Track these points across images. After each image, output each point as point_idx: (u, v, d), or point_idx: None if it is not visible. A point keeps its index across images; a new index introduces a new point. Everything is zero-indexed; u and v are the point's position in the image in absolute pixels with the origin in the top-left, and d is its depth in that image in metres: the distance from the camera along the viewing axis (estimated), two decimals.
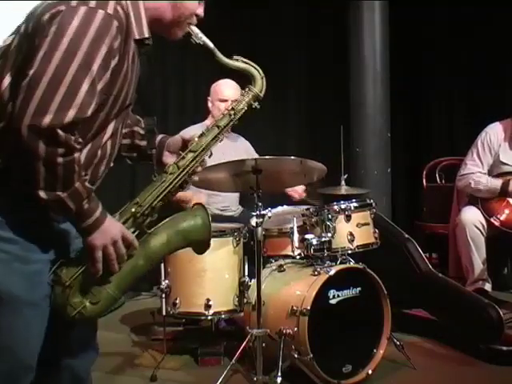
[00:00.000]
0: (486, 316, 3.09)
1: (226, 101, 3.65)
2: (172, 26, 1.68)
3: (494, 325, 3.06)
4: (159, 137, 1.83)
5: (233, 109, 1.83)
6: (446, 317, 3.38)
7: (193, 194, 3.30)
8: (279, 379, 2.54)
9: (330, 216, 2.90)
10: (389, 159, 4.66)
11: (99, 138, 1.51)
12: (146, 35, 1.56)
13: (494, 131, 3.90)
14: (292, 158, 2.64)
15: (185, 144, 1.79)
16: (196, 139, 1.77)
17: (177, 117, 4.58)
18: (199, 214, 1.71)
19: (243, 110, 1.84)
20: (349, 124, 4.51)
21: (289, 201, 3.60)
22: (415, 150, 5.82)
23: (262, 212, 2.65)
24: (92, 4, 1.39)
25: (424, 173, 4.80)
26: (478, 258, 3.72)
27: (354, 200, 3.02)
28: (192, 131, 3.64)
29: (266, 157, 2.61)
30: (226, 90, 3.68)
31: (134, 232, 1.56)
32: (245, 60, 1.86)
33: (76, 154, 1.38)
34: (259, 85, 1.90)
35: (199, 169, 1.74)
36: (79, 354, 1.66)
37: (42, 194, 1.37)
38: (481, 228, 3.72)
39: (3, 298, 1.42)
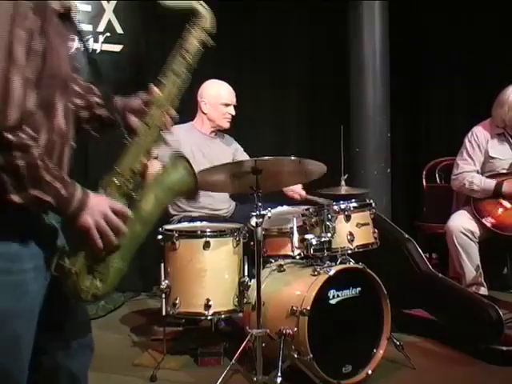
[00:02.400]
0: (485, 316, 3.09)
1: (229, 105, 3.67)
2: None
3: (493, 325, 3.06)
4: (117, 101, 1.74)
5: (182, 47, 1.71)
6: (445, 317, 3.38)
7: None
8: (279, 379, 2.54)
9: (329, 216, 2.90)
10: (389, 159, 4.66)
11: (49, 123, 1.43)
12: (68, 5, 1.47)
13: (480, 130, 3.98)
14: (291, 158, 2.64)
15: (146, 102, 1.71)
16: (157, 92, 1.69)
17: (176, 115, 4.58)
18: (180, 164, 1.69)
19: (195, 47, 1.72)
20: (349, 124, 4.51)
21: (289, 201, 3.60)
22: (415, 150, 5.82)
23: (262, 212, 2.65)
24: None
25: (424, 173, 4.80)
26: (469, 264, 3.71)
27: (353, 200, 3.02)
28: (179, 132, 3.68)
29: (265, 157, 2.60)
30: (229, 94, 3.69)
31: (123, 202, 1.54)
32: None
33: (34, 150, 1.33)
34: (205, 19, 1.76)
35: (169, 121, 1.69)
36: (75, 353, 1.65)
37: (14, 197, 1.33)
38: (469, 234, 3.71)
39: None
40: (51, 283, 1.51)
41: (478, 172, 3.89)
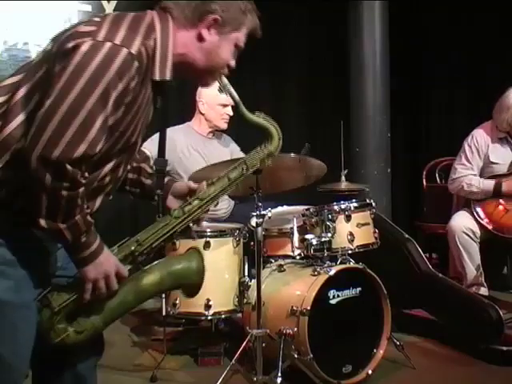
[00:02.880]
0: (485, 316, 3.09)
1: (227, 105, 3.64)
2: (203, 73, 1.68)
3: (493, 325, 3.06)
4: (166, 179, 1.82)
5: (245, 163, 1.81)
6: (445, 317, 3.38)
7: None
8: (279, 379, 2.54)
9: (330, 216, 2.90)
10: (389, 159, 4.66)
11: (99, 171, 1.51)
12: (168, 78, 1.54)
13: (480, 133, 3.92)
14: (291, 155, 2.63)
15: (190, 191, 1.80)
16: (205, 187, 1.76)
17: (176, 117, 4.57)
18: (194, 258, 1.74)
19: (256, 166, 1.83)
20: (349, 124, 4.51)
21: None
22: (415, 150, 5.83)
23: (262, 212, 2.65)
24: (117, 41, 1.39)
25: (424, 173, 4.80)
26: (470, 264, 3.71)
27: (354, 200, 3.02)
28: (176, 132, 3.68)
29: None
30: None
31: (128, 268, 1.59)
32: (266, 117, 1.89)
33: (81, 189, 1.40)
34: (275, 144, 1.85)
35: (203, 216, 1.75)
36: (81, 351, 1.65)
37: (42, 222, 1.39)
38: (471, 234, 3.71)
39: None
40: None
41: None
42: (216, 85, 3.65)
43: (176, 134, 3.59)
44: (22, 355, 1.49)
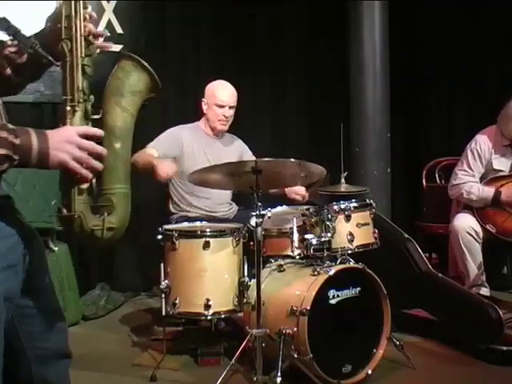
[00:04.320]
0: (485, 316, 3.09)
1: (223, 106, 3.63)
2: None
3: (493, 325, 3.06)
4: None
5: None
6: (445, 317, 3.38)
7: (158, 161, 3.26)
8: (279, 379, 2.54)
9: (329, 216, 2.90)
10: (388, 159, 4.66)
11: None
12: None
13: (484, 140, 3.88)
14: (291, 160, 2.63)
15: (54, 18, 1.56)
16: (61, 3, 1.53)
17: (176, 117, 4.58)
18: (128, 65, 1.60)
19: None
20: (349, 124, 4.51)
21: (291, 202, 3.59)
22: (415, 150, 5.82)
23: (262, 212, 2.65)
24: None
25: (424, 173, 4.80)
26: (473, 264, 3.71)
27: (353, 200, 3.02)
28: (184, 130, 3.70)
29: (265, 159, 2.60)
30: (224, 95, 3.64)
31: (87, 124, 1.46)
32: None
33: None
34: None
35: (90, 26, 1.54)
36: (50, 361, 1.59)
37: None
38: (474, 234, 3.71)
39: None
40: (27, 278, 1.47)
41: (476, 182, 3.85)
42: (217, 83, 3.71)
43: (183, 131, 3.64)
44: None
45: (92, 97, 1.49)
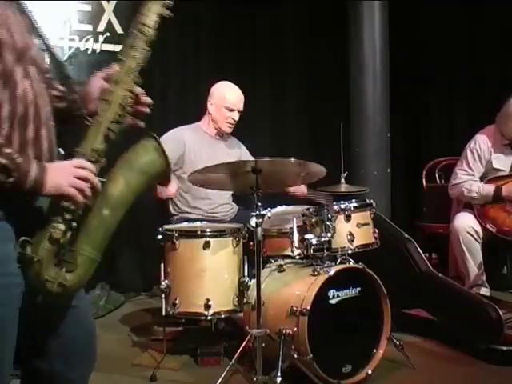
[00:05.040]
0: (485, 316, 3.09)
1: (233, 110, 3.65)
2: None
3: (493, 325, 3.07)
4: (79, 88, 1.67)
5: (143, 24, 1.65)
6: (445, 317, 3.38)
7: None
8: (279, 379, 2.54)
9: (329, 216, 2.90)
10: (388, 159, 4.66)
11: (11, 92, 1.42)
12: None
13: (483, 139, 3.88)
14: (291, 159, 2.63)
15: (105, 77, 1.65)
16: (117, 69, 1.61)
17: (176, 117, 4.58)
18: (150, 145, 1.60)
19: (156, 23, 1.67)
20: (349, 124, 4.51)
21: (290, 199, 3.59)
22: (415, 150, 5.83)
23: (262, 212, 2.65)
24: None
25: (424, 173, 4.80)
26: (473, 264, 3.71)
27: (353, 200, 3.02)
28: (185, 130, 3.70)
29: (265, 158, 2.60)
30: (235, 99, 3.66)
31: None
32: None
33: None
34: None
35: (129, 97, 1.60)
36: (76, 364, 1.63)
37: None
38: (474, 234, 3.71)
39: None
40: None
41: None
42: (226, 86, 3.73)
43: (184, 132, 3.65)
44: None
45: (104, 160, 1.54)
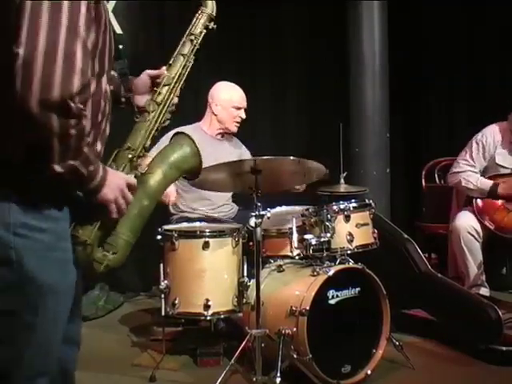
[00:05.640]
0: (485, 316, 3.09)
1: (240, 108, 3.69)
2: None
3: (493, 325, 3.07)
4: (130, 78, 1.85)
5: (191, 34, 1.87)
6: (445, 317, 3.38)
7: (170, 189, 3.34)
8: (278, 379, 2.54)
9: (329, 216, 2.90)
10: (388, 159, 4.66)
11: (99, 88, 1.50)
12: None
13: (491, 133, 3.88)
14: (291, 158, 2.64)
15: (153, 81, 1.84)
16: (165, 72, 1.82)
17: (175, 117, 4.57)
18: (185, 142, 1.82)
19: (202, 33, 1.89)
20: (348, 124, 4.51)
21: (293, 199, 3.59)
22: (414, 151, 5.83)
23: (261, 212, 2.65)
24: None
25: (423, 173, 4.80)
26: (473, 264, 3.71)
27: (353, 200, 3.02)
28: (184, 130, 3.68)
29: (265, 157, 2.60)
30: (240, 97, 3.71)
31: (132, 175, 1.64)
32: None
33: (84, 122, 1.39)
34: (210, 4, 1.92)
35: (175, 100, 1.82)
36: (69, 347, 1.63)
37: (57, 168, 1.34)
38: (475, 234, 3.71)
39: (44, 288, 1.41)
40: None
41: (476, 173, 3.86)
42: (229, 85, 3.73)
43: (184, 131, 3.62)
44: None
45: (147, 154, 1.74)
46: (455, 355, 3.17)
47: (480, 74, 5.41)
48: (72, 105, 1.31)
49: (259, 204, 2.65)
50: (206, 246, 2.77)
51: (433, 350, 3.28)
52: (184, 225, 3.16)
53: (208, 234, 2.80)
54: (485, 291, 3.73)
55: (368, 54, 4.55)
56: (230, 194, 3.74)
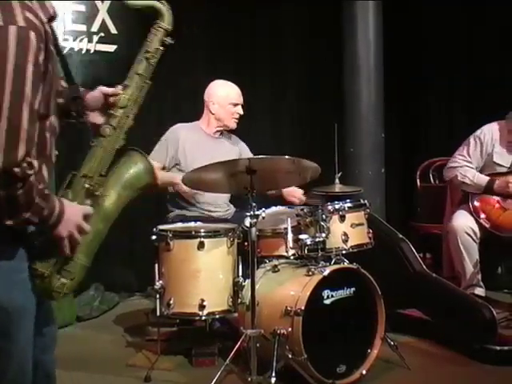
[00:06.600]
0: (479, 316, 3.10)
1: (238, 105, 3.69)
2: None
3: (487, 325, 3.07)
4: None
5: (147, 51, 1.79)
6: (440, 317, 3.39)
7: (177, 176, 3.37)
8: (273, 379, 2.54)
9: (324, 216, 2.90)
10: (383, 159, 4.66)
11: (43, 124, 1.47)
12: (52, 13, 1.45)
13: (490, 131, 3.88)
14: (286, 157, 2.63)
15: (106, 97, 1.74)
16: (121, 92, 1.73)
17: (172, 116, 4.57)
18: (138, 159, 1.76)
19: (159, 50, 1.80)
20: (343, 124, 4.51)
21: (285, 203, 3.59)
22: (409, 151, 5.83)
23: (256, 212, 2.65)
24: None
25: (418, 173, 4.80)
26: (470, 265, 3.71)
27: (348, 200, 3.02)
28: (182, 128, 3.71)
29: (259, 156, 2.60)
30: (236, 93, 3.71)
31: (89, 203, 1.63)
32: None
33: (32, 177, 1.36)
34: (167, 18, 1.84)
35: (131, 123, 1.74)
36: (48, 348, 1.67)
37: (8, 222, 1.38)
38: (472, 234, 3.71)
39: (10, 311, 1.44)
40: None
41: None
42: (224, 83, 3.74)
43: (181, 129, 3.68)
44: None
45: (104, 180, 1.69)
46: (450, 355, 3.18)
47: (479, 74, 5.40)
48: (17, 170, 1.31)
49: (254, 204, 2.65)
50: (201, 246, 2.76)
51: (428, 349, 3.29)
52: (179, 225, 3.15)
53: (203, 234, 2.80)
54: (480, 291, 3.73)
55: (363, 54, 4.55)
56: (227, 196, 3.74)
